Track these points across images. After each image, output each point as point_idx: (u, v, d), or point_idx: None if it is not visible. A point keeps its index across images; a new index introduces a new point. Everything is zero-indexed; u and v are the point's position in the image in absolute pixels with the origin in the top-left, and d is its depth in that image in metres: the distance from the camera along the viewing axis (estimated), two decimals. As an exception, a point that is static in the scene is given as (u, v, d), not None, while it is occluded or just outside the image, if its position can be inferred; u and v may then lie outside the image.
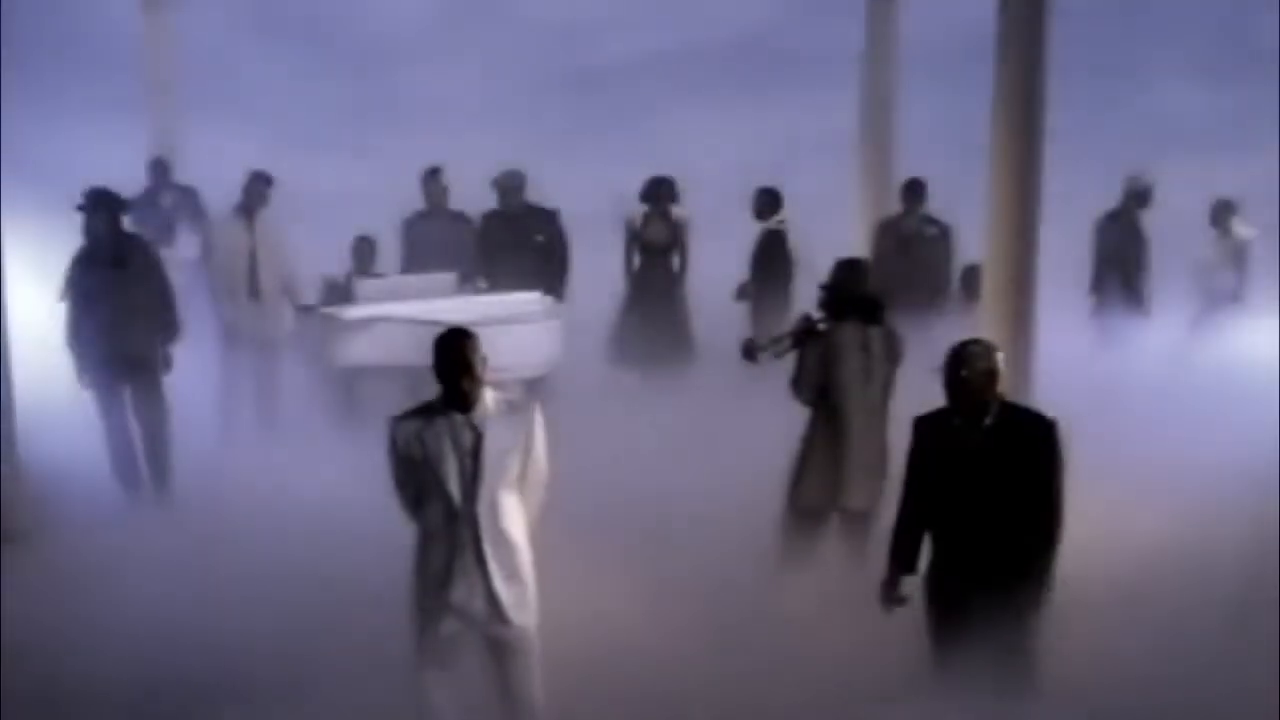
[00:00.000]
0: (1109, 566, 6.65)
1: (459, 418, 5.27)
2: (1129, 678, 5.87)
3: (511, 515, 5.36)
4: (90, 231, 8.64)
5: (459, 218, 10.99)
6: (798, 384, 6.91)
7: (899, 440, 6.82)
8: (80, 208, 8.65)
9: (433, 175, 10.99)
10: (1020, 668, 5.58)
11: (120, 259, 8.64)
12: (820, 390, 6.84)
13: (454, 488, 5.27)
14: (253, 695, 5.85)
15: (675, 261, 11.05)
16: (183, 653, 6.15)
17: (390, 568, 6.48)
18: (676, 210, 11.06)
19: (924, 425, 5.75)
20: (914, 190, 11.25)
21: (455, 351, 5.25)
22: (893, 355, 6.97)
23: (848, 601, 6.29)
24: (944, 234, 11.18)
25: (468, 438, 5.26)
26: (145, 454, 8.84)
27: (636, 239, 11.04)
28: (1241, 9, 16.05)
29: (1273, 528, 7.18)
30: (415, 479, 5.35)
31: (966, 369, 5.53)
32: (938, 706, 5.49)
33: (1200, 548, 7.10)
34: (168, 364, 8.88)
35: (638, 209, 11.06)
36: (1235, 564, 6.89)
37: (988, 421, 5.56)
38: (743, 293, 11.03)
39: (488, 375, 5.30)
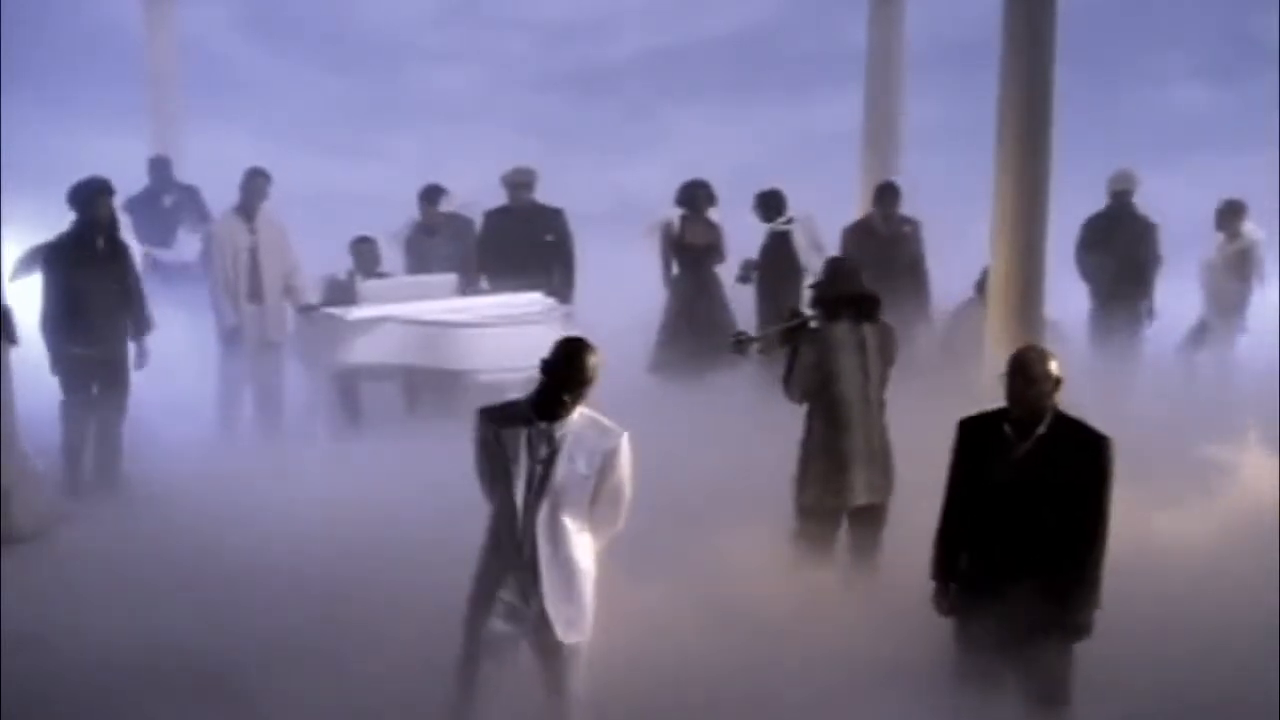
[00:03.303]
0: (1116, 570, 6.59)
1: (541, 425, 5.18)
2: (1132, 682, 5.81)
3: (575, 538, 5.26)
4: (88, 220, 8.59)
5: (459, 219, 10.89)
6: (789, 382, 6.84)
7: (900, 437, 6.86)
8: (76, 196, 8.59)
9: (432, 194, 10.81)
10: (1053, 682, 5.50)
11: (111, 250, 8.66)
12: (813, 390, 6.78)
13: (518, 494, 5.18)
14: (245, 691, 5.81)
15: (712, 262, 11.02)
16: (177, 651, 6.12)
17: (389, 569, 6.52)
18: (711, 213, 11.02)
19: (973, 429, 5.55)
20: (889, 193, 11.17)
21: (575, 362, 5.14)
22: (888, 352, 6.87)
23: (865, 599, 6.29)
24: (916, 230, 11.16)
25: (543, 448, 5.17)
26: (95, 448, 8.79)
27: (675, 243, 10.96)
28: (1244, 8, 16.03)
29: (1273, 529, 7.12)
30: (490, 473, 5.27)
31: (1032, 375, 5.36)
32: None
33: (1204, 549, 7.06)
34: (143, 358, 8.89)
35: (673, 213, 10.99)
36: (1238, 566, 6.83)
37: (1040, 430, 5.38)
38: (745, 275, 10.90)
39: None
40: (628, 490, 5.30)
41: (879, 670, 5.75)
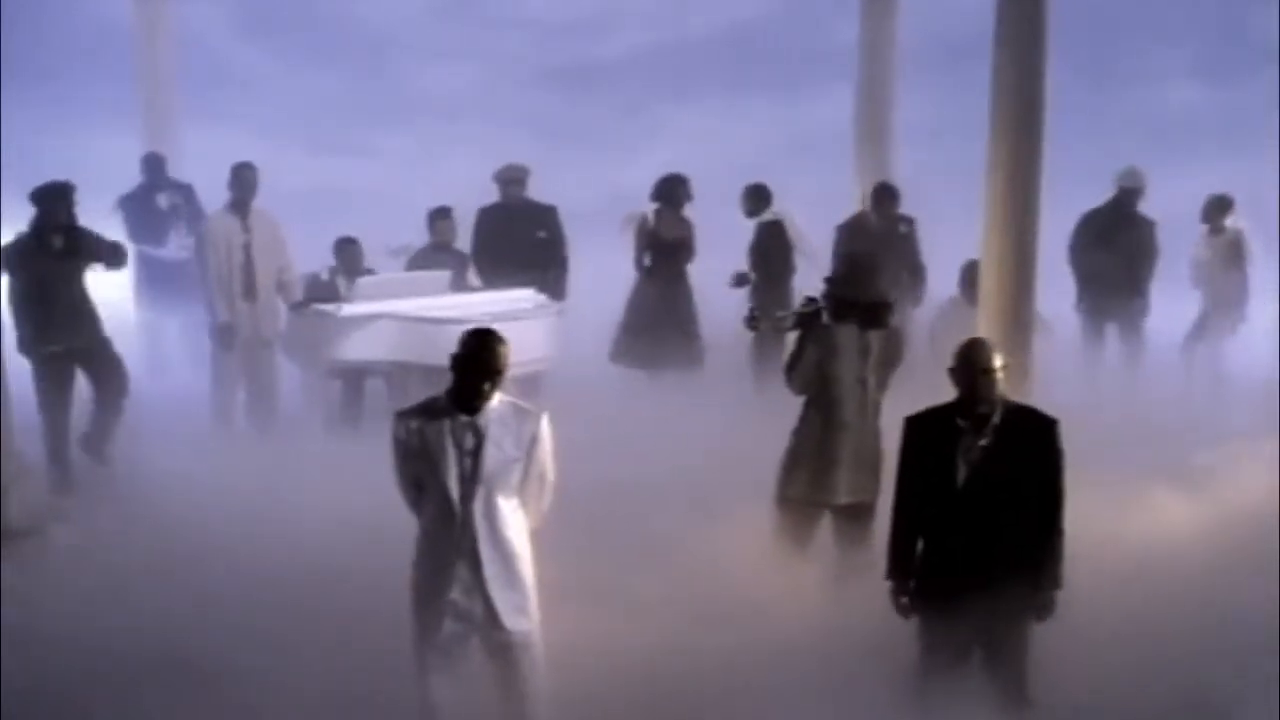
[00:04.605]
0: (1106, 568, 6.61)
1: (463, 418, 5.27)
2: (1124, 682, 5.83)
3: (510, 520, 5.35)
4: (43, 222, 8.65)
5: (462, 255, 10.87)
6: (790, 373, 6.86)
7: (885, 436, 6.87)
8: (33, 198, 8.65)
9: (441, 215, 10.75)
10: (1016, 673, 5.57)
11: (71, 248, 8.68)
12: (813, 385, 6.79)
13: (452, 488, 5.26)
14: (240, 686, 5.84)
15: (684, 258, 10.97)
16: (173, 647, 6.14)
17: (384, 564, 6.53)
18: (686, 208, 10.99)
19: (923, 425, 5.62)
20: (887, 194, 11.15)
21: (483, 352, 5.23)
22: (891, 358, 6.87)
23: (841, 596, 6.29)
24: (913, 229, 11.16)
25: (469, 439, 5.26)
26: (91, 431, 8.88)
27: (650, 237, 10.90)
28: (1242, 5, 16.02)
29: (1272, 527, 7.13)
30: (416, 474, 5.35)
31: (984, 364, 5.45)
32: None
33: (1200, 548, 7.07)
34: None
35: (649, 206, 10.94)
36: (1234, 565, 6.83)
37: (995, 420, 5.47)
38: (740, 280, 10.83)
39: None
40: (551, 469, 5.45)
41: (853, 663, 5.77)
